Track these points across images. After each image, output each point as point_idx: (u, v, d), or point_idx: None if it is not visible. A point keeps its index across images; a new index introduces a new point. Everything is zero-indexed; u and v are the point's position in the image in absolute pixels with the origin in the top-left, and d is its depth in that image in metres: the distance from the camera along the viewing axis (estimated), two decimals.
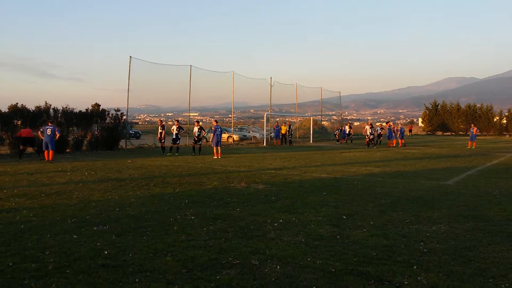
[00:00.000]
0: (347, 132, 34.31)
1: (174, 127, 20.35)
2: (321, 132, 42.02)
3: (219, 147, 18.20)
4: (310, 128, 36.42)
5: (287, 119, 36.08)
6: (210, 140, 20.99)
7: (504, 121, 57.62)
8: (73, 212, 6.95)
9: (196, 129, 20.03)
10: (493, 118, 58.48)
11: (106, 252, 4.81)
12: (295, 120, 41.80)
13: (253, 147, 26.82)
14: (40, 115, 19.72)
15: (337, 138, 35.36)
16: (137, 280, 4.01)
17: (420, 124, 73.56)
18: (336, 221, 6.40)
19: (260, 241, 5.31)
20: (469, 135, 29.02)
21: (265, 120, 31.33)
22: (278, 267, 4.40)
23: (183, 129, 22.03)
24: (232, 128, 33.43)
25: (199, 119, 26.41)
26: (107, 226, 6.01)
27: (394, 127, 29.08)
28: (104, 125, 22.27)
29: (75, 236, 5.48)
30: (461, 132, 58.53)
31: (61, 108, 20.66)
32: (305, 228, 6.01)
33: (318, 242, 5.31)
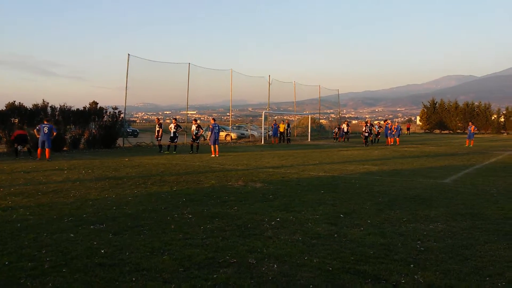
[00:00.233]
0: (345, 131, 34.35)
1: (172, 125, 20.33)
2: (319, 130, 42.05)
3: (216, 146, 18.18)
4: (308, 126, 36.42)
5: (285, 117, 36.08)
6: (208, 138, 20.99)
7: (502, 119, 57.79)
8: (70, 210, 6.93)
9: (194, 127, 20.02)
10: (491, 116, 58.64)
11: (102, 251, 4.80)
12: (293, 118, 41.78)
13: (251, 146, 26.81)
14: (38, 113, 19.64)
15: (336, 136, 35.39)
16: (133, 279, 4.00)
17: (418, 122, 73.67)
18: (333, 220, 6.40)
19: (257, 240, 5.31)
20: (467, 133, 29.09)
21: (263, 118, 31.32)
22: (275, 265, 4.39)
23: (181, 127, 22.00)
24: (230, 126, 33.40)
25: (197, 117, 26.39)
26: (104, 225, 5.99)
27: (391, 125, 29.13)
28: (101, 123, 22.20)
29: (71, 235, 5.46)
30: (459, 131, 58.68)
31: (59, 106, 20.60)
32: (302, 226, 6.01)
33: (316, 240, 5.31)
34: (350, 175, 11.86)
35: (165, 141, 20.54)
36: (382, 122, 38.82)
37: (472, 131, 27.39)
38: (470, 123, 28.52)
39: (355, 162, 15.57)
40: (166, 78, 31.46)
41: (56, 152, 18.50)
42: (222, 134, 30.30)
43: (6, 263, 4.40)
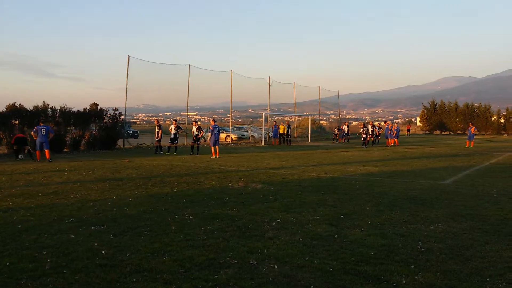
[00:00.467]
0: (346, 132, 34.35)
1: (172, 127, 20.35)
2: (319, 131, 42.06)
3: (217, 147, 18.18)
4: (308, 127, 36.43)
5: (285, 119, 36.10)
6: (208, 139, 21.00)
7: (502, 121, 57.73)
8: (71, 212, 6.94)
9: (194, 128, 20.03)
10: (491, 117, 58.57)
11: (103, 252, 4.80)
12: (293, 120, 41.78)
13: (251, 147, 26.81)
14: (38, 115, 19.65)
15: (336, 137, 35.38)
16: (134, 280, 4.00)
17: (418, 123, 73.64)
18: (334, 221, 6.40)
19: (258, 241, 5.31)
20: (467, 134, 29.08)
21: (263, 120, 31.33)
22: (276, 266, 4.39)
23: (182, 129, 22.01)
24: (231, 128, 33.42)
25: (197, 118, 26.41)
26: (105, 226, 6.00)
27: (391, 126, 29.15)
28: (102, 124, 22.22)
29: (72, 236, 5.47)
30: (459, 132, 58.64)
31: (59, 108, 20.61)
32: (303, 227, 6.01)
33: (316, 241, 5.31)
34: (351, 176, 11.86)
35: (165, 142, 20.55)
36: (382, 123, 38.83)
37: (472, 132, 27.39)
38: (470, 124, 28.52)
39: (355, 163, 15.57)
40: (166, 79, 31.52)
41: (56, 154, 18.51)
42: (223, 135, 30.32)
43: (7, 264, 4.40)
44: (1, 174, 11.64)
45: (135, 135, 36.57)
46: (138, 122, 75.19)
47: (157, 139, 20.16)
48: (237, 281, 3.99)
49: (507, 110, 57.73)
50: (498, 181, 10.91)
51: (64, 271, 4.22)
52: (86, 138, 21.60)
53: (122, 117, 23.23)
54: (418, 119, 72.82)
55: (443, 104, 62.78)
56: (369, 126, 28.90)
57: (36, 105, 19.93)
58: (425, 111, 63.89)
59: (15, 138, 16.72)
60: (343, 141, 33.96)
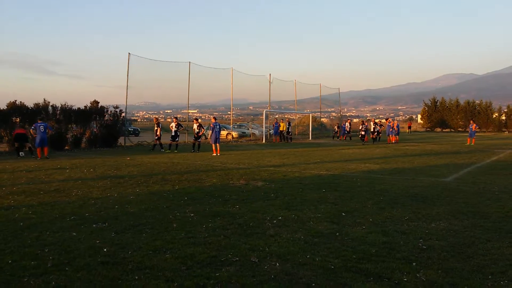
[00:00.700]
0: (348, 129, 34.28)
1: (173, 124, 20.35)
2: (320, 129, 42.03)
3: (218, 144, 18.19)
4: (309, 125, 36.41)
5: (286, 116, 36.06)
6: (209, 137, 20.98)
7: (503, 118, 57.59)
8: (72, 209, 6.95)
9: (195, 126, 20.03)
10: (492, 114, 58.43)
11: (105, 250, 4.81)
12: (294, 117, 41.78)
13: (252, 144, 26.81)
14: (39, 113, 19.67)
15: (337, 134, 35.31)
16: (136, 277, 4.01)
17: (419, 120, 73.53)
18: (335, 218, 6.40)
19: (259, 238, 5.32)
20: (468, 131, 29.04)
21: (264, 117, 31.31)
22: (277, 264, 4.40)
23: (182, 126, 22.01)
24: (231, 125, 33.41)
25: (198, 116, 26.41)
26: (106, 224, 6.01)
27: (393, 124, 29.14)
28: (103, 122, 22.24)
29: (74, 234, 5.48)
30: (460, 129, 58.54)
31: (60, 105, 20.62)
32: (304, 225, 6.01)
33: (317, 239, 5.32)
34: (352, 173, 11.86)
35: (166, 140, 20.55)
36: (383, 121, 38.79)
37: (473, 130, 27.34)
38: (471, 122, 28.44)
39: (356, 161, 15.56)
40: (167, 77, 31.51)
41: (57, 151, 18.53)
42: (224, 133, 30.31)
43: (9, 261, 4.41)
44: (3, 172, 11.66)
45: (136, 133, 36.57)
46: (138, 120, 75.19)
47: (156, 138, 20.17)
48: (239, 278, 4.00)
49: (508, 107, 57.59)
50: (499, 178, 10.90)
51: (66, 268, 4.23)
52: (87, 135, 21.62)
53: (123, 114, 23.23)
54: (419, 116, 72.65)
55: (444, 101, 62.63)
56: (371, 123, 28.87)
57: (36, 102, 19.98)
58: (426, 109, 63.78)
59: (15, 134, 16.76)
60: (344, 138, 33.89)
